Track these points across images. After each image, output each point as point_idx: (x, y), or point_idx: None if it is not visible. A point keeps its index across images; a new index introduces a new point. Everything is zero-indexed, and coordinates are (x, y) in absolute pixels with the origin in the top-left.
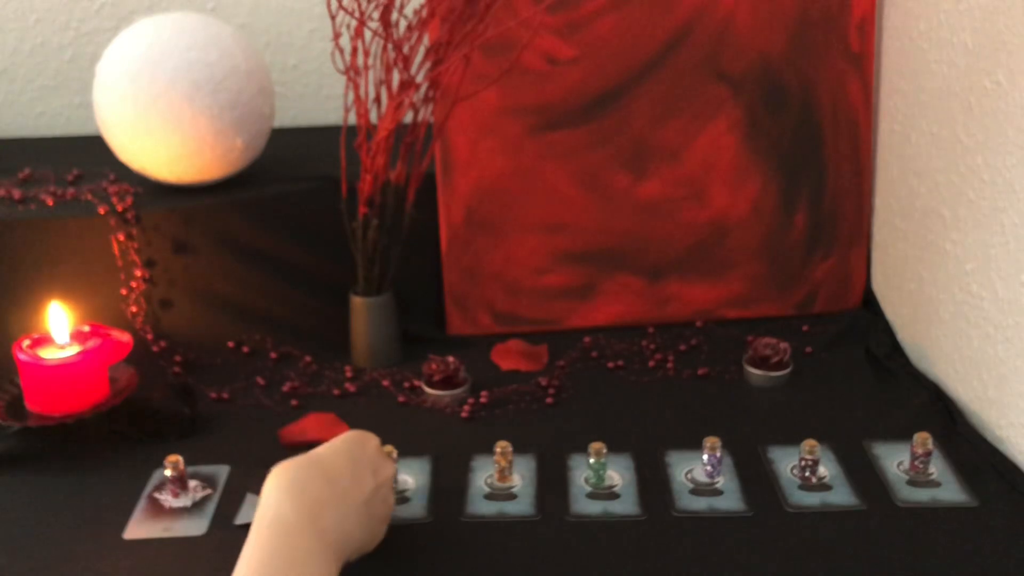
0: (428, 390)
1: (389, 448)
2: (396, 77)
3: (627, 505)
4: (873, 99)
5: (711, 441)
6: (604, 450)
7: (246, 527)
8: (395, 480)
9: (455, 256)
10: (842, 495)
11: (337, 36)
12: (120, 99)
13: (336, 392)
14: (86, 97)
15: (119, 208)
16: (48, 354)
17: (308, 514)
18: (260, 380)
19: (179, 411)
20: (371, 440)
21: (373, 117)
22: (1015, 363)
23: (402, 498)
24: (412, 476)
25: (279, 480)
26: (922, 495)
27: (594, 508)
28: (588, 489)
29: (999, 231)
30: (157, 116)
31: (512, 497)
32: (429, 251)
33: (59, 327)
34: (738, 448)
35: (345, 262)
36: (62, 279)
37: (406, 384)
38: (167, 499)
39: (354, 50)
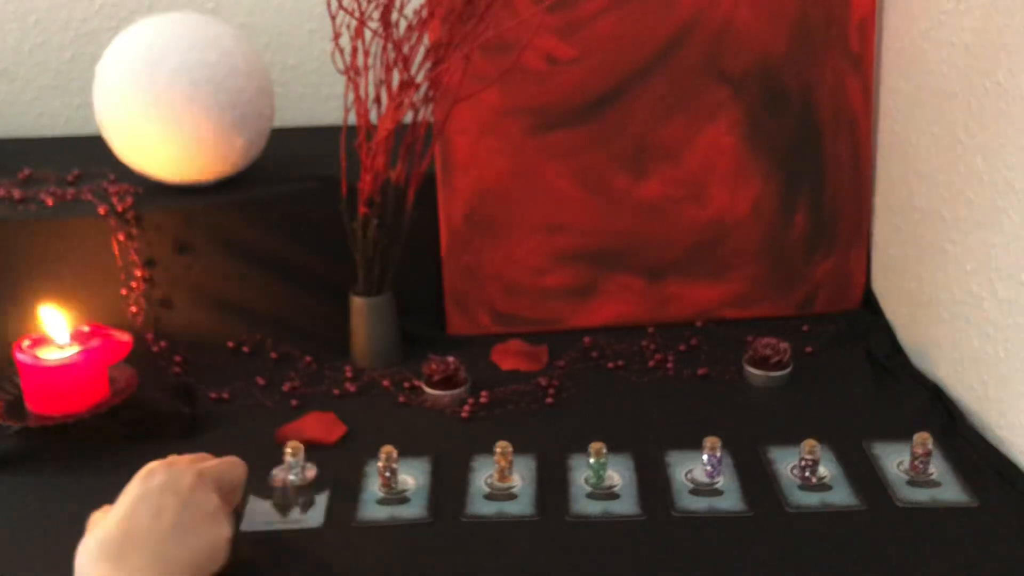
0: (428, 390)
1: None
2: (396, 77)
3: (627, 505)
4: (873, 99)
5: (711, 441)
6: (604, 450)
7: (249, 530)
8: (237, 483)
9: (455, 256)
10: (842, 495)
11: (337, 36)
12: (120, 99)
13: (336, 392)
14: (86, 97)
15: (119, 208)
16: (48, 354)
17: None
18: (260, 380)
19: (179, 411)
20: (152, 469)
21: (373, 117)
22: (1015, 363)
23: (402, 498)
24: (412, 476)
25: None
26: (922, 495)
27: (594, 508)
28: (588, 489)
29: (999, 231)
30: (157, 116)
31: (512, 497)
32: (429, 251)
33: (54, 330)
34: (738, 448)
35: (345, 262)
36: (62, 279)
37: (406, 384)
38: None
39: (354, 50)
